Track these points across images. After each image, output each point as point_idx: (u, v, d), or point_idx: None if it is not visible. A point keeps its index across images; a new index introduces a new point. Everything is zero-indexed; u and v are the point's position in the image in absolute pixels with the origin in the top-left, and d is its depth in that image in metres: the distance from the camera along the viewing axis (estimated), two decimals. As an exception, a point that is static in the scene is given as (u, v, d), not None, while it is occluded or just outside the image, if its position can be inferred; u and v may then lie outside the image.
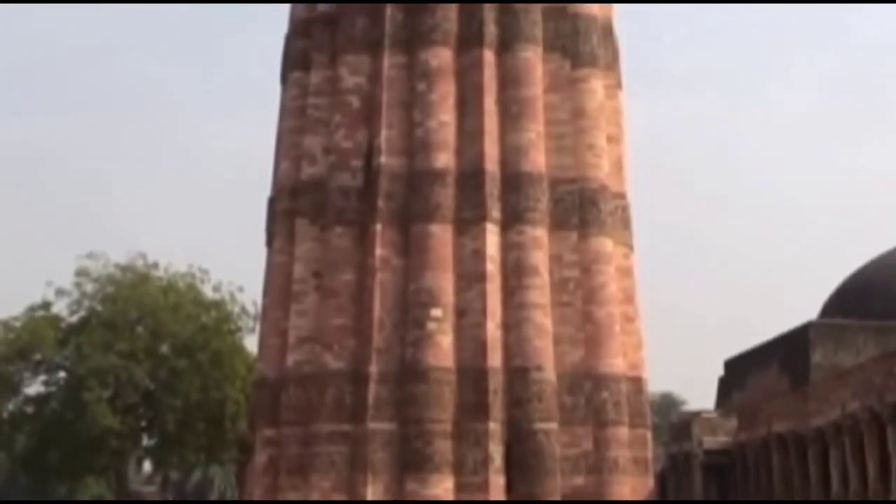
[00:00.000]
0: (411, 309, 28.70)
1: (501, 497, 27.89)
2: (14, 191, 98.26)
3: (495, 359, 28.43)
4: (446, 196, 29.30)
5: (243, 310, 47.41)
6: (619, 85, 32.05)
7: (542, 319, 28.87)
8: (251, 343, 44.42)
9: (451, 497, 27.76)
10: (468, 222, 29.23)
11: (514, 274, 29.13)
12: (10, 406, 46.44)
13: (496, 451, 28.02)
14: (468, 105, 29.88)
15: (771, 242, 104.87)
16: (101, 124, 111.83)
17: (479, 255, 28.98)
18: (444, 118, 29.76)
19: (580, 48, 31.05)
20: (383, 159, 29.55)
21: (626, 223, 31.06)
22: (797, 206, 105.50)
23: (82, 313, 46.48)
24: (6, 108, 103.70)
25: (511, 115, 29.97)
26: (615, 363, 29.46)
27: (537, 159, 29.78)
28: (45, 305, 46.73)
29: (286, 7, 32.66)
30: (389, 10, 30.42)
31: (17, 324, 46.09)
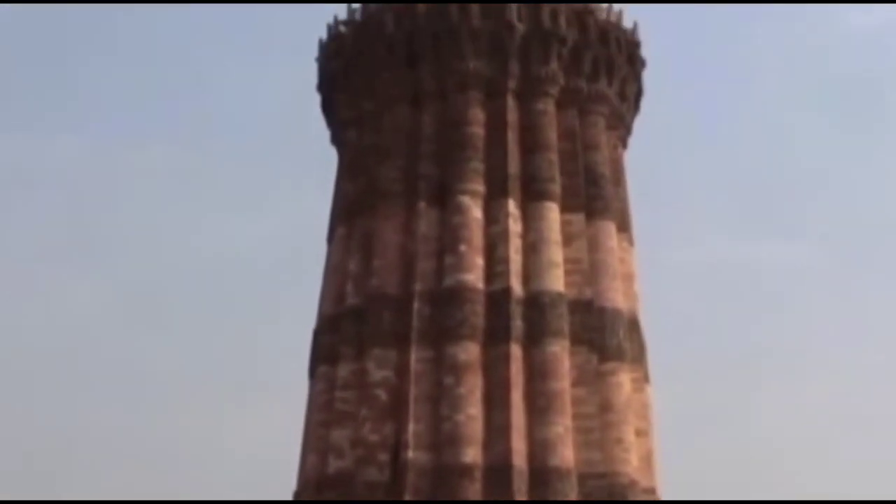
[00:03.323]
0: None
1: None
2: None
3: None
4: (474, 491, 29.05)
5: None
6: (646, 378, 32.15)
7: None
8: None
9: None
10: (496, 518, 28.90)
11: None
12: None
13: None
14: (496, 399, 29.92)
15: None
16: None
17: (507, 550, 28.51)
18: (472, 412, 29.76)
19: (607, 342, 31.29)
20: (410, 454, 29.43)
21: (656, 518, 30.68)
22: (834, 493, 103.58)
23: None
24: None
25: (538, 408, 30.00)
26: None
27: (565, 454, 29.63)
28: None
29: (312, 304, 33.08)
30: (417, 304, 30.78)
31: None
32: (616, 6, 33.92)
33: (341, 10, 34.20)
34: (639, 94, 34.60)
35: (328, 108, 34.39)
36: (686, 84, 67.84)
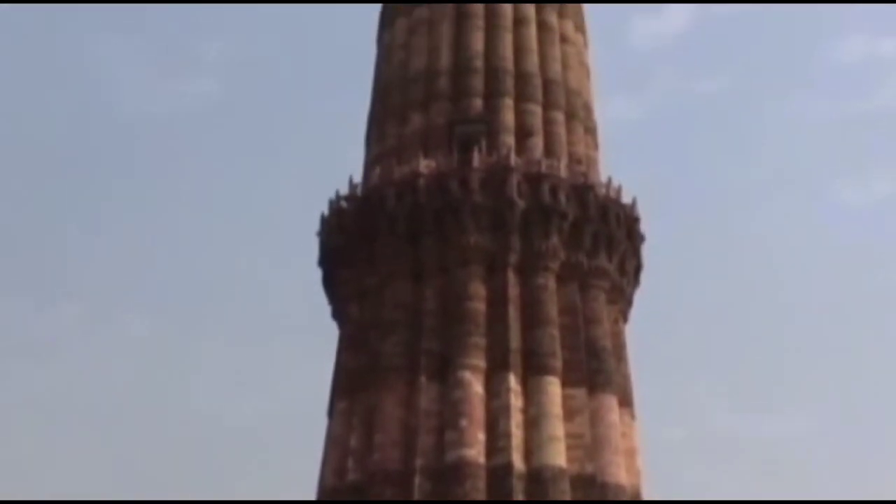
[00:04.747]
0: None
1: None
2: None
3: None
4: None
5: None
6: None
7: None
8: None
9: None
10: None
11: None
12: None
13: None
14: None
15: None
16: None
17: None
18: None
19: (609, 518, 30.99)
20: None
21: None
22: None
23: None
24: None
25: None
26: None
27: None
28: None
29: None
30: (418, 479, 30.55)
31: None
32: (615, 182, 34.33)
33: (343, 185, 34.63)
34: (638, 268, 34.81)
35: (329, 283, 34.52)
36: (685, 257, 68.31)
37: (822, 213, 78.91)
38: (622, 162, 36.70)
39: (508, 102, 34.45)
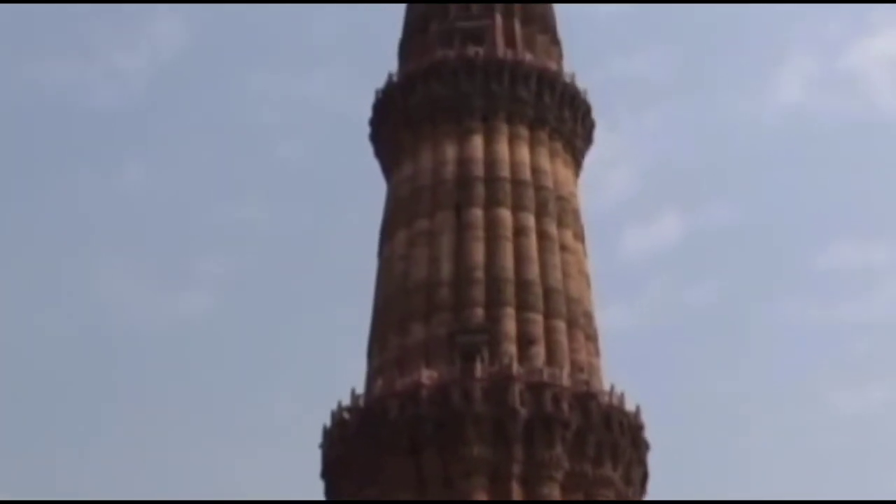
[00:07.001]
0: None
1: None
2: None
3: None
4: None
5: None
6: None
7: None
8: None
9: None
10: None
11: None
12: None
13: None
14: None
15: None
16: None
17: None
18: None
19: None
20: None
21: None
22: None
23: None
24: None
25: None
26: None
27: None
28: None
29: None
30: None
31: None
32: (618, 390, 34.13)
33: (345, 396, 34.45)
34: (645, 476, 34.37)
35: (332, 495, 34.12)
36: (690, 466, 67.62)
37: (817, 420, 78.40)
38: (623, 370, 36.54)
39: (510, 311, 34.49)
